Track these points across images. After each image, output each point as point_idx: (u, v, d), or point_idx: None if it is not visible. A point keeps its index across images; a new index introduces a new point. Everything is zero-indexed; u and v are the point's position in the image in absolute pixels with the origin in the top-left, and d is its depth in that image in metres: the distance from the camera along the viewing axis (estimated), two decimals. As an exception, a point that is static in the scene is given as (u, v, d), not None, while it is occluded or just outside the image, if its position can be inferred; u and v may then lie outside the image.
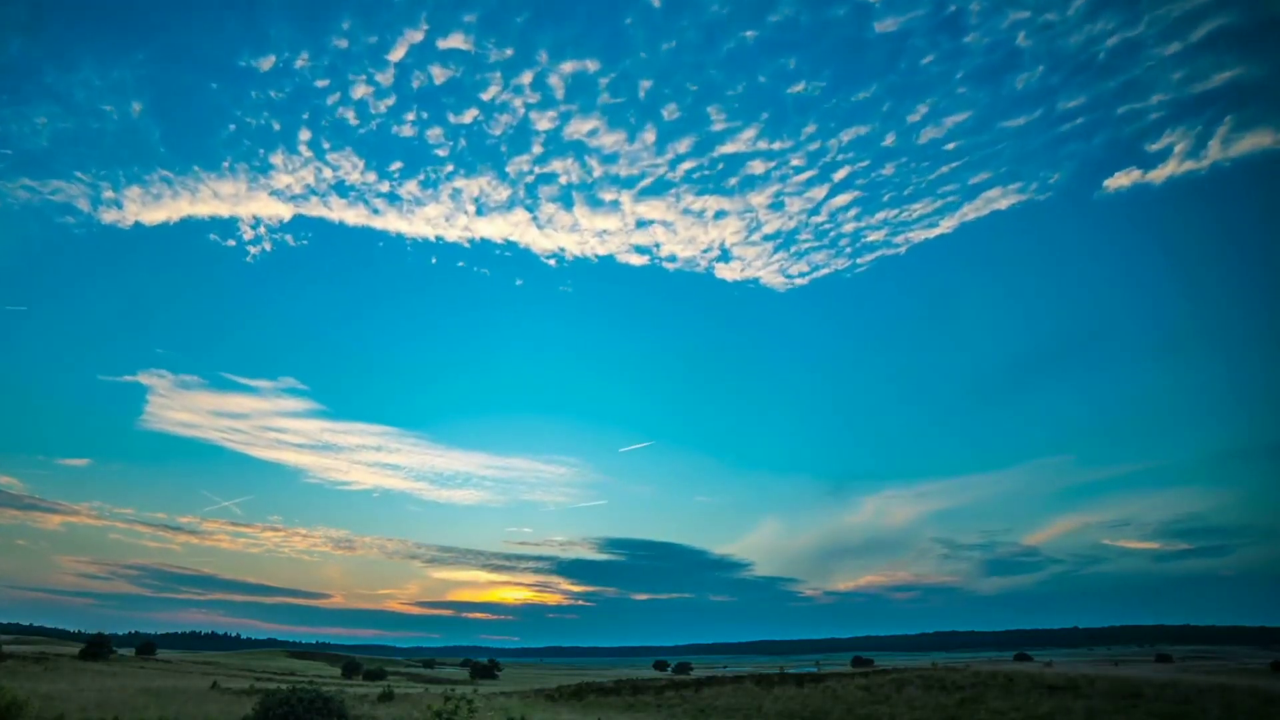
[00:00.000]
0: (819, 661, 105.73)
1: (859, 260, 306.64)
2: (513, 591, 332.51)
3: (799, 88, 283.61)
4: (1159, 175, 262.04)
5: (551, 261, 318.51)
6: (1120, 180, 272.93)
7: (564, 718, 26.00)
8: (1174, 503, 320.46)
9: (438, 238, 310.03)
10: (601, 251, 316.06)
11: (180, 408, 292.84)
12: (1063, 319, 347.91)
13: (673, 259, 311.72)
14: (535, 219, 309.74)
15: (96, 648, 49.93)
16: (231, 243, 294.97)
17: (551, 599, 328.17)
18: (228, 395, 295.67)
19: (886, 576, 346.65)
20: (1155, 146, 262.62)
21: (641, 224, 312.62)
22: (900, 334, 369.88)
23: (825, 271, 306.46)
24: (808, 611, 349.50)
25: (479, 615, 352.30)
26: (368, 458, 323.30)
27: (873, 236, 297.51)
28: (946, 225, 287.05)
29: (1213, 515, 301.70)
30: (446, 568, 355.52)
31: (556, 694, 36.35)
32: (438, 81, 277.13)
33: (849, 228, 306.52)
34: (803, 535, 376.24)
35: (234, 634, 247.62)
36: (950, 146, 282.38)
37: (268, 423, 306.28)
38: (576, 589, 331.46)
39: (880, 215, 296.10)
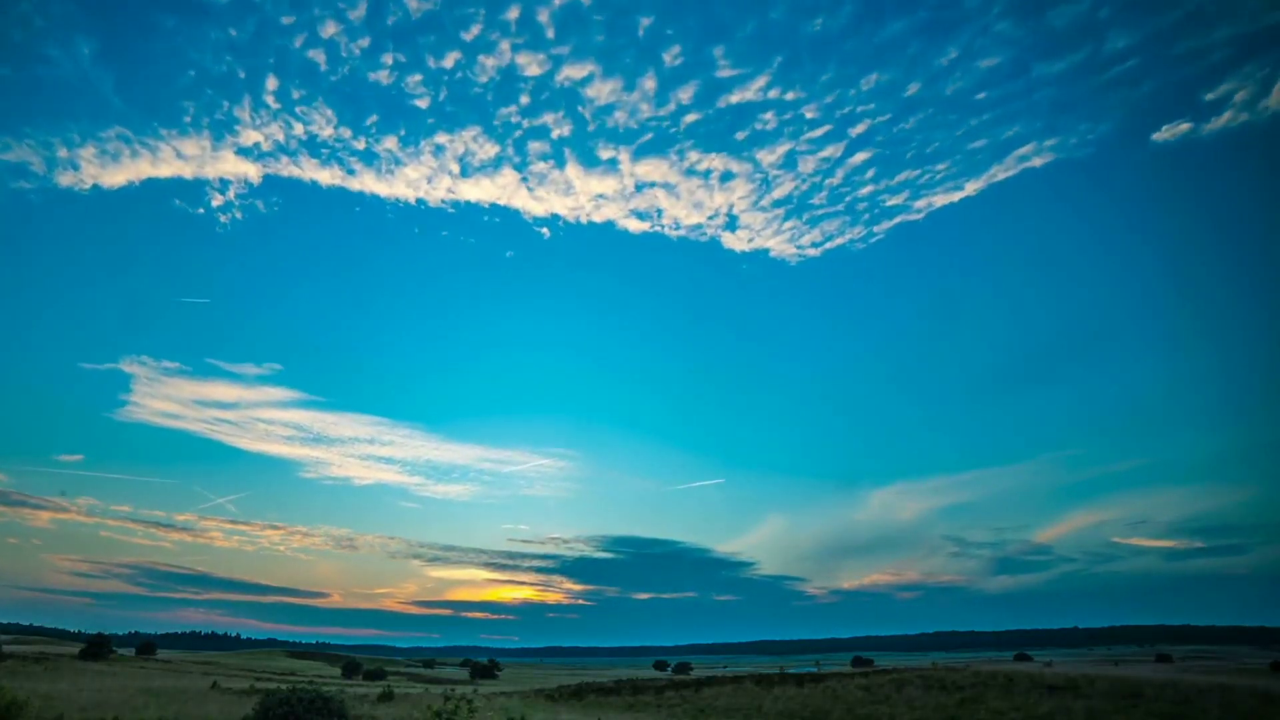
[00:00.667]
0: (819, 661, 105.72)
1: (875, 228, 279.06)
2: (512, 590, 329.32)
3: (816, 24, 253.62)
4: (1212, 127, 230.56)
5: (544, 230, 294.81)
6: (1167, 134, 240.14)
7: (564, 718, 26.02)
8: (1191, 499, 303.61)
9: (419, 200, 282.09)
10: (598, 218, 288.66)
11: (164, 397, 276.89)
12: (1090, 295, 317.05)
13: (676, 226, 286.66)
14: (525, 180, 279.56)
15: (96, 648, 49.96)
16: (201, 210, 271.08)
17: (551, 598, 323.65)
18: (212, 384, 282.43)
19: (894, 575, 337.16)
20: (1213, 95, 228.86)
21: (641, 187, 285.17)
22: (912, 315, 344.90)
23: (839, 241, 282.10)
24: (813, 611, 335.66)
25: (478, 615, 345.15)
26: (360, 450, 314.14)
27: (891, 201, 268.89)
28: (972, 187, 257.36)
29: (1229, 513, 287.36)
30: (444, 566, 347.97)
31: (556, 694, 36.35)
32: (414, 16, 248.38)
33: (865, 190, 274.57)
34: (808, 532, 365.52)
35: (234, 634, 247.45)
36: (981, 95, 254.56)
37: (256, 414, 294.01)
38: (577, 588, 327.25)
39: (901, 176, 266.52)
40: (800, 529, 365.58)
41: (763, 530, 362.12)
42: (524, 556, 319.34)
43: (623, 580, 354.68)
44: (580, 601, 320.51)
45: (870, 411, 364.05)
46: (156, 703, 22.74)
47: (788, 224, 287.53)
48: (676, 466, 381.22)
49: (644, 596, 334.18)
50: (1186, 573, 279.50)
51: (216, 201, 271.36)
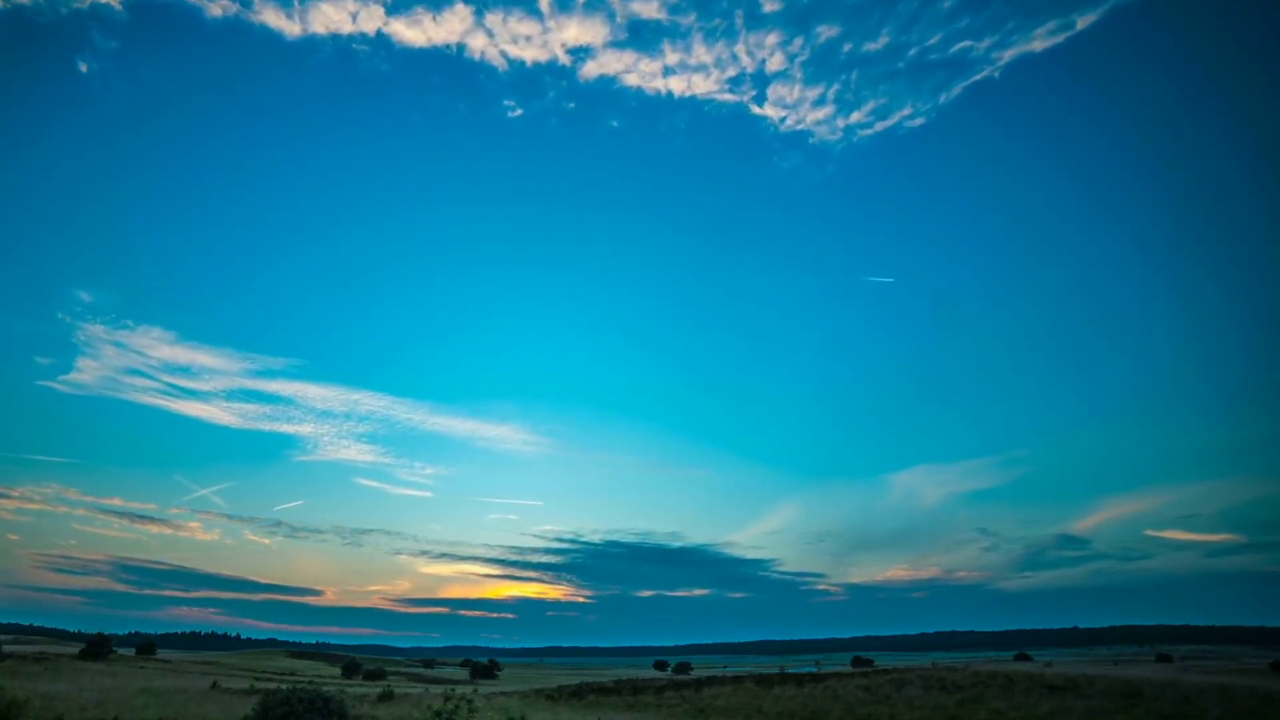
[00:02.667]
0: (819, 661, 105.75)
1: (942, 96, 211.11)
2: (508, 588, 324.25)
3: None
4: None
5: (512, 107, 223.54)
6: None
7: (564, 717, 26.02)
8: (1239, 489, 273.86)
9: (335, 39, 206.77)
10: (582, 76, 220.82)
11: (107, 363, 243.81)
12: (1189, 200, 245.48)
13: (686, 82, 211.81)
14: (480, 16, 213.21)
15: (96, 648, 49.97)
16: (63, 68, 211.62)
17: (550, 594, 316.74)
18: (160, 342, 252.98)
19: (913, 570, 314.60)
20: None
21: (638, 29, 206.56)
22: (952, 240, 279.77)
23: (895, 118, 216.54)
24: (829, 609, 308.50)
25: (473, 613, 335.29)
26: (340, 428, 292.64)
27: (973, 48, 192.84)
28: (1084, 22, 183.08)
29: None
30: (438, 562, 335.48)
31: (556, 694, 36.35)
32: None
33: (934, 39, 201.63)
34: (826, 521, 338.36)
35: (232, 634, 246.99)
36: None
37: (220, 383, 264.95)
38: (578, 585, 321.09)
39: (991, 11, 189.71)
40: (817, 518, 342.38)
41: (775, 519, 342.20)
42: (523, 550, 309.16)
43: (628, 577, 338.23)
44: (579, 599, 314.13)
45: (894, 384, 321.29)
46: (157, 703, 22.74)
47: (833, 89, 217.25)
48: (679, 451, 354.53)
49: (647, 594, 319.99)
50: (1225, 570, 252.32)
51: (83, 67, 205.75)
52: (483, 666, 75.47)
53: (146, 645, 67.17)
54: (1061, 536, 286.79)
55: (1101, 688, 27.22)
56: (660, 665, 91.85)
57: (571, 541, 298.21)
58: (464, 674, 77.26)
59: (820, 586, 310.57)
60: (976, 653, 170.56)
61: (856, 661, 76.18)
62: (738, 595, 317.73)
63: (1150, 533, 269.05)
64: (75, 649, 57.33)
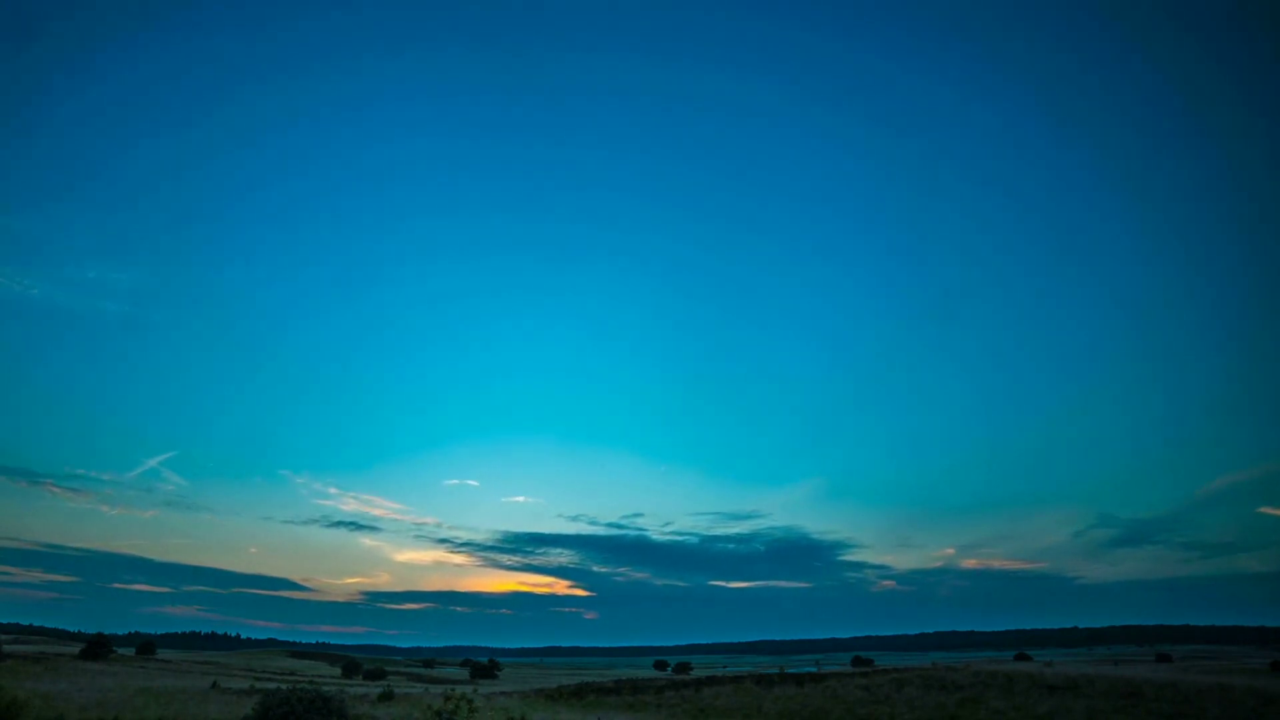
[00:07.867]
0: (819, 661, 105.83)
1: None
2: (510, 585, 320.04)
3: None
4: None
5: None
6: None
7: (564, 717, 26.02)
8: None
9: None
10: None
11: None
12: None
13: None
14: None
15: (96, 647, 49.96)
16: None
17: (546, 587, 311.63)
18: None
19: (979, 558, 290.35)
20: None
21: None
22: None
23: None
24: (880, 599, 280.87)
25: (472, 608, 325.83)
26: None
27: None
28: None
29: None
30: (406, 542, 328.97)
31: (556, 694, 36.35)
32: None
33: None
34: (864, 493, 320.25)
35: (234, 633, 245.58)
36: None
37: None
38: (583, 584, 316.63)
39: None
40: (853, 486, 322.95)
41: (805, 488, 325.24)
42: (528, 543, 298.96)
43: (650, 567, 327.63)
44: (577, 592, 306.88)
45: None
46: (157, 703, 22.76)
47: None
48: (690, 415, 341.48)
49: (661, 583, 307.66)
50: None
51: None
52: (482, 666, 75.53)
53: (146, 645, 67.21)
54: (1156, 513, 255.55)
55: (1101, 688, 27.23)
56: (660, 665, 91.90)
57: (577, 532, 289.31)
58: (464, 674, 77.29)
59: (871, 574, 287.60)
60: (976, 653, 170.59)
61: (856, 661, 76.18)
62: (799, 584, 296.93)
63: (1269, 510, 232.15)
64: (75, 649, 57.37)
